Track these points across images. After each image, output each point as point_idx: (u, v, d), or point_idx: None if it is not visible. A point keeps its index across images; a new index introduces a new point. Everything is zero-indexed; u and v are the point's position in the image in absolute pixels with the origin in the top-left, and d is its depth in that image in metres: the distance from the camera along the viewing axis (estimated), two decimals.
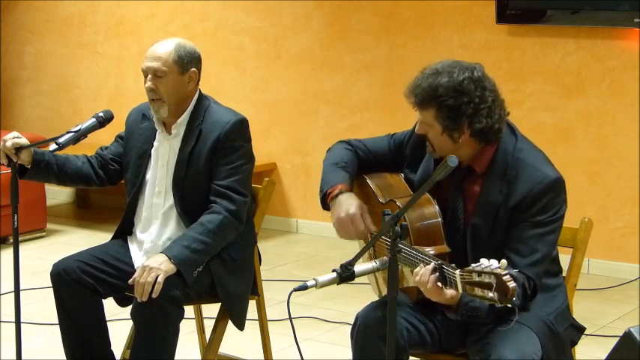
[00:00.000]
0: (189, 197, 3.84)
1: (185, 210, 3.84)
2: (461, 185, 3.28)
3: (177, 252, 3.67)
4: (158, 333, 3.66)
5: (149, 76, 3.78)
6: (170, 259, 3.64)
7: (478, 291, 2.79)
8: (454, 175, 3.25)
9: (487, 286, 2.75)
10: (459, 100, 3.13)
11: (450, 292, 2.96)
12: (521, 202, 3.15)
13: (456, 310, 3.05)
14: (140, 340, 3.70)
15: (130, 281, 3.64)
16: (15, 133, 3.76)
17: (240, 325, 3.93)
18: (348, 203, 3.33)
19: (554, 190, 3.17)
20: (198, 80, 3.87)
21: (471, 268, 2.81)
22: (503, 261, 2.76)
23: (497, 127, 3.19)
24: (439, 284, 2.95)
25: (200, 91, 3.91)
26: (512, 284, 2.72)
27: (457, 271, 2.86)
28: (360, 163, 3.54)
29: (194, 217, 3.82)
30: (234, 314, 3.89)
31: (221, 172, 3.81)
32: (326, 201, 3.40)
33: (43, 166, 3.82)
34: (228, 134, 3.81)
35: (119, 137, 4.04)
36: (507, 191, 3.18)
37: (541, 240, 3.14)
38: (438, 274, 2.95)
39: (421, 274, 2.98)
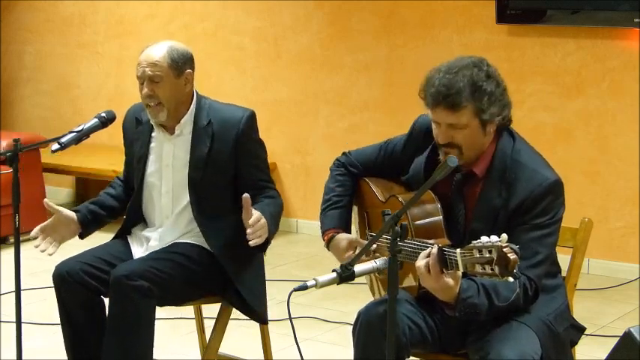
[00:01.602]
0: (206, 197, 3.86)
1: (201, 211, 3.85)
2: (461, 190, 3.29)
3: (270, 227, 3.75)
4: (129, 325, 3.68)
5: (145, 82, 3.78)
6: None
7: (479, 268, 2.81)
8: (455, 180, 3.26)
9: (488, 262, 2.77)
10: (491, 85, 3.16)
11: (447, 279, 2.96)
12: (520, 204, 3.15)
13: (455, 306, 3.05)
14: (111, 332, 3.71)
15: (250, 221, 3.63)
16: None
17: (264, 319, 3.97)
18: (335, 256, 3.49)
19: (554, 193, 3.18)
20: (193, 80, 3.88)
21: (471, 245, 2.82)
22: (504, 235, 2.78)
23: (510, 109, 3.25)
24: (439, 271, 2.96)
25: (197, 91, 3.92)
26: (513, 256, 2.75)
27: (458, 250, 2.87)
28: (358, 179, 3.61)
29: (211, 217, 3.86)
30: (255, 309, 3.91)
31: (256, 167, 3.89)
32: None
33: (91, 220, 3.95)
34: (246, 131, 3.85)
35: (126, 151, 4.06)
36: (507, 194, 3.18)
37: (541, 242, 3.15)
38: (433, 256, 2.95)
39: (419, 259, 2.99)
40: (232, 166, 3.85)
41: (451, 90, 3.12)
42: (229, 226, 3.85)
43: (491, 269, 2.78)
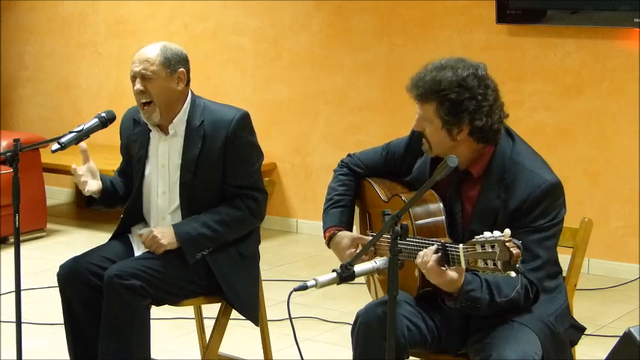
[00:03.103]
0: (198, 200, 3.86)
1: (192, 213, 3.86)
2: (459, 190, 3.29)
3: (185, 230, 3.79)
4: (122, 324, 3.69)
5: (137, 79, 3.78)
6: (176, 235, 3.78)
7: (481, 263, 2.82)
8: (452, 179, 3.26)
9: (490, 256, 2.78)
10: (462, 96, 3.14)
11: (451, 274, 2.97)
12: (520, 206, 3.15)
13: (456, 298, 3.05)
14: (106, 331, 3.71)
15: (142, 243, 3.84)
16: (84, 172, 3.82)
17: (255, 320, 3.97)
18: (337, 253, 3.48)
19: (553, 195, 3.17)
20: (188, 80, 3.87)
21: (474, 240, 2.83)
22: (507, 230, 2.79)
23: (496, 128, 3.19)
24: (441, 267, 2.97)
25: (192, 91, 3.91)
26: (515, 250, 2.75)
27: (460, 245, 2.88)
28: (360, 179, 3.61)
29: None
30: (245, 310, 3.91)
31: (238, 171, 3.85)
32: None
33: (108, 195, 3.92)
34: (236, 132, 3.83)
35: (122, 152, 4.05)
36: (505, 196, 3.18)
37: (542, 245, 3.15)
38: (440, 254, 2.96)
39: (423, 254, 3.00)
40: (222, 168, 3.84)
41: (418, 83, 3.20)
42: None
43: (494, 264, 2.78)
